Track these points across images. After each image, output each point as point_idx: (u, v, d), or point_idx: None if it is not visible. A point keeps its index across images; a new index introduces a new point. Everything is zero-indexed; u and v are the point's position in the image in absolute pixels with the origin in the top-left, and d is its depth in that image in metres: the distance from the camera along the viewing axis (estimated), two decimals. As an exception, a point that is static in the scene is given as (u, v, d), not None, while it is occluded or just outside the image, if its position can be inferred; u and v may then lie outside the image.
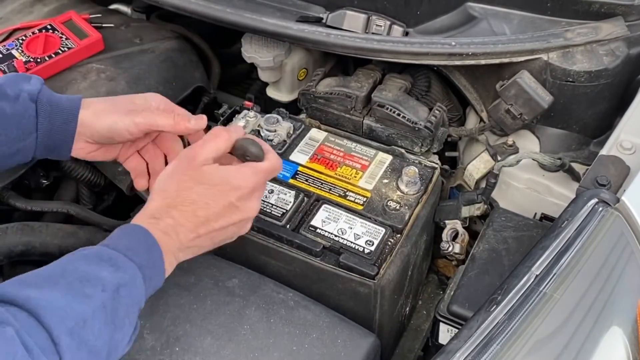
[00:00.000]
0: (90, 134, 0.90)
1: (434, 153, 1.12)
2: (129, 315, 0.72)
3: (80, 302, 0.66)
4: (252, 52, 1.19)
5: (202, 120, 0.92)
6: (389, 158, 1.06)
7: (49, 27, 1.20)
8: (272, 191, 1.00)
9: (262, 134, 1.07)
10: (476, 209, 1.08)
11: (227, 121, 1.10)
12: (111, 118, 0.89)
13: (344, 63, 1.30)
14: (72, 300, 0.66)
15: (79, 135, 0.90)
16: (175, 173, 0.83)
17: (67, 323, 0.64)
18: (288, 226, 0.95)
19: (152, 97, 0.93)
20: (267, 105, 1.29)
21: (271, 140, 1.07)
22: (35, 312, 0.63)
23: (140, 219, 0.79)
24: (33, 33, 1.18)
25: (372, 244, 0.93)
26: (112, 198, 1.24)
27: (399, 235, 0.95)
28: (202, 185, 0.81)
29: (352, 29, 1.16)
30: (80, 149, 0.92)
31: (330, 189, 1.01)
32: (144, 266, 0.74)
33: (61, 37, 1.18)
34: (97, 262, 0.72)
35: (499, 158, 1.05)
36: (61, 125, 0.88)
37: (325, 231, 0.94)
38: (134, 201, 1.17)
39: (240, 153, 0.87)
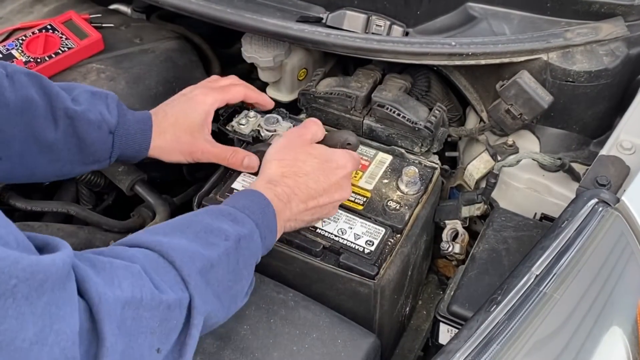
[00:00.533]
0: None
1: (434, 153, 1.12)
2: (247, 267, 0.77)
3: (207, 248, 0.71)
4: (252, 52, 1.19)
5: (254, 161, 1.01)
6: (389, 158, 1.06)
7: (49, 27, 1.20)
8: (272, 191, 1.00)
9: (262, 134, 1.07)
10: (476, 209, 1.08)
11: (227, 121, 1.10)
12: (175, 156, 1.02)
13: (344, 63, 1.30)
14: (199, 246, 0.71)
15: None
16: (290, 145, 0.92)
17: (197, 264, 0.69)
18: (288, 226, 0.95)
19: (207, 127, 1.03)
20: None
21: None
22: (165, 254, 0.68)
23: (258, 183, 0.88)
24: (33, 33, 1.18)
25: (372, 244, 0.93)
26: (112, 198, 1.24)
27: (399, 235, 0.95)
28: (315, 160, 0.90)
29: (352, 29, 1.16)
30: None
31: (330, 189, 1.01)
32: (260, 224, 0.80)
33: (61, 37, 1.18)
34: (218, 217, 0.77)
35: (499, 158, 1.05)
36: (133, 154, 1.00)
37: (325, 231, 0.94)
38: (134, 201, 1.17)
39: (334, 143, 0.96)
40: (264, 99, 1.10)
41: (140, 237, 0.72)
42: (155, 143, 1.00)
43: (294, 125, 1.10)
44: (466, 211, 1.07)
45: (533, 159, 1.02)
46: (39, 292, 0.50)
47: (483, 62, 1.02)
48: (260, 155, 0.99)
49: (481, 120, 1.14)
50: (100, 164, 0.98)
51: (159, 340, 0.64)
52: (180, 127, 1.01)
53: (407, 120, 1.06)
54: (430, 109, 1.09)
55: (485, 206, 1.07)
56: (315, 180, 0.88)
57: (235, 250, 0.75)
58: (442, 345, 0.80)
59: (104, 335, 0.57)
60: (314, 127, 0.95)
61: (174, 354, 0.67)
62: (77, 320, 0.54)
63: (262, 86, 1.32)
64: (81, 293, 0.57)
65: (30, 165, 0.91)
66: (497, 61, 1.02)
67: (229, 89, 1.06)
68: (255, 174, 1.03)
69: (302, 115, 1.17)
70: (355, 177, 1.03)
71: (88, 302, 0.57)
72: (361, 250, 0.92)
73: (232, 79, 1.11)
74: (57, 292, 0.52)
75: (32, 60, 1.13)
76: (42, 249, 0.55)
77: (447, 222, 1.08)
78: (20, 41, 1.17)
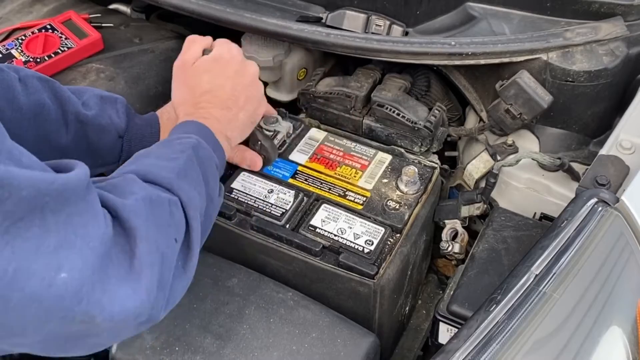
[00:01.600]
0: None
1: (434, 153, 1.12)
2: (210, 170, 0.81)
3: (173, 162, 0.76)
4: (252, 52, 1.19)
5: (258, 161, 1.03)
6: (388, 158, 1.06)
7: (48, 26, 1.20)
8: (271, 191, 1.00)
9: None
10: (476, 209, 1.08)
11: None
12: None
13: (343, 63, 1.30)
14: (167, 162, 0.76)
15: None
16: (178, 81, 0.95)
17: (173, 172, 0.74)
18: (287, 226, 0.96)
19: None
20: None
21: (271, 140, 1.07)
22: (143, 175, 0.72)
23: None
24: (32, 33, 1.18)
25: (372, 244, 0.93)
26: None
27: (398, 235, 0.96)
28: (205, 74, 0.93)
29: (351, 29, 1.16)
30: None
31: (329, 189, 1.01)
32: (200, 135, 0.83)
33: (61, 37, 1.18)
34: (166, 144, 0.82)
35: (499, 158, 1.05)
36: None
37: (325, 231, 0.94)
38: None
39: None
40: (270, 111, 1.10)
41: (117, 174, 0.75)
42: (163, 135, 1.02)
43: (293, 125, 1.10)
44: (466, 211, 1.07)
45: (533, 159, 1.02)
46: (64, 205, 0.56)
47: (483, 61, 1.02)
48: (264, 150, 1.01)
49: (481, 119, 1.14)
50: (109, 166, 0.99)
51: (175, 230, 0.70)
52: None
53: (407, 120, 1.06)
54: (430, 109, 1.09)
55: (485, 206, 1.07)
56: (219, 87, 0.92)
57: (195, 157, 0.79)
58: (441, 345, 0.80)
59: (134, 226, 0.63)
60: (193, 49, 0.96)
61: (184, 248, 0.72)
62: (101, 225, 0.60)
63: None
64: (104, 206, 0.63)
65: None
66: (497, 61, 1.02)
67: None
68: (254, 173, 1.03)
69: (302, 115, 1.18)
70: (355, 176, 1.03)
71: (112, 210, 0.64)
72: (361, 249, 0.92)
73: None
74: (80, 203, 0.58)
75: (31, 60, 1.13)
76: (59, 170, 0.59)
77: (446, 221, 1.08)
78: (20, 41, 1.16)
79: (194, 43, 0.97)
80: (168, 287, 0.69)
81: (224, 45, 0.97)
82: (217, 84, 0.92)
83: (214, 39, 0.99)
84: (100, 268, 0.58)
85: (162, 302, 0.68)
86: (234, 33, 1.16)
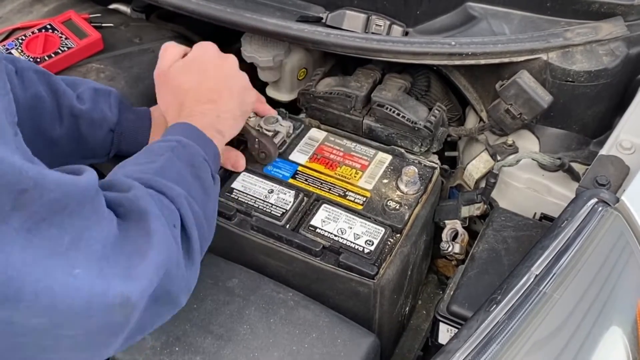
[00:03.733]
0: None
1: (434, 153, 1.12)
2: (197, 165, 0.81)
3: (152, 163, 0.77)
4: (252, 51, 1.19)
5: (242, 163, 1.04)
6: (388, 158, 1.06)
7: (48, 26, 1.20)
8: (271, 191, 1.00)
9: (262, 134, 1.07)
10: (476, 209, 1.08)
11: None
12: None
13: (343, 63, 1.29)
14: (145, 164, 0.78)
15: None
16: (161, 91, 0.96)
17: (150, 171, 0.76)
18: (288, 226, 0.96)
19: None
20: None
21: (271, 140, 1.07)
22: (121, 181, 0.72)
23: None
24: (32, 33, 1.18)
25: (372, 244, 0.93)
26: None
27: (398, 235, 0.95)
28: (183, 76, 0.93)
29: (351, 29, 1.16)
30: None
31: (330, 189, 1.01)
32: (183, 134, 0.84)
33: (61, 37, 1.18)
34: (144, 151, 0.82)
35: (499, 158, 1.05)
36: (131, 150, 0.97)
37: (325, 231, 0.94)
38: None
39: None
40: (267, 111, 1.10)
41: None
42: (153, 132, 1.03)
43: (293, 125, 1.10)
44: (466, 211, 1.07)
45: (533, 159, 1.02)
46: (80, 207, 0.58)
47: (483, 61, 1.02)
48: (264, 147, 1.03)
49: (481, 120, 1.14)
50: (99, 159, 1.01)
51: (170, 218, 0.71)
52: None
53: (407, 120, 1.06)
54: (430, 109, 1.09)
55: (485, 206, 1.07)
56: (196, 84, 0.92)
57: (173, 156, 0.79)
58: (441, 345, 0.80)
59: (144, 209, 0.66)
60: (167, 56, 0.96)
61: (183, 237, 0.73)
62: (106, 226, 0.61)
63: (262, 86, 1.32)
64: (109, 205, 0.65)
65: None
66: (497, 61, 1.02)
67: None
68: (254, 173, 1.03)
69: (302, 115, 1.18)
70: (355, 176, 1.03)
71: (118, 207, 0.66)
72: (361, 250, 0.92)
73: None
74: (89, 205, 0.60)
75: (31, 60, 1.13)
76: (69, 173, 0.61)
77: (446, 221, 1.08)
78: (20, 41, 1.16)
79: (167, 50, 0.97)
80: (183, 270, 0.71)
81: (198, 47, 0.98)
82: (197, 81, 0.92)
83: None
84: (107, 265, 0.60)
85: (181, 282, 0.71)
86: (234, 33, 1.16)
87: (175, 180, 0.77)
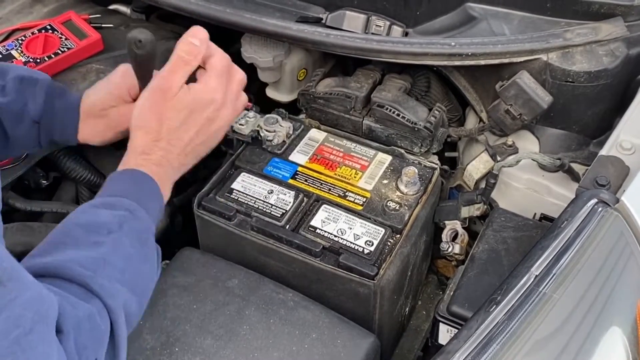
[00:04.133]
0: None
1: (434, 153, 1.12)
2: (143, 243, 0.76)
3: (94, 249, 0.70)
4: (252, 52, 1.19)
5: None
6: (388, 158, 1.06)
7: (48, 27, 1.20)
8: (271, 191, 1.00)
9: (262, 134, 1.07)
10: (476, 210, 1.08)
11: None
12: (108, 137, 1.00)
13: (343, 63, 1.30)
14: (86, 250, 0.70)
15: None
16: (153, 106, 0.86)
17: (90, 267, 0.67)
18: (287, 226, 0.95)
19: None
20: (267, 106, 1.29)
21: (271, 141, 1.07)
22: (60, 273, 0.66)
23: (130, 158, 0.84)
24: (32, 33, 1.18)
25: (372, 244, 0.93)
26: (111, 198, 1.24)
27: (398, 236, 0.95)
28: (181, 112, 0.86)
29: (351, 30, 1.16)
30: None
31: (329, 189, 1.01)
32: (141, 199, 0.78)
33: (61, 38, 1.18)
34: (95, 211, 0.75)
35: (499, 158, 1.05)
36: (61, 141, 0.99)
37: (325, 231, 0.94)
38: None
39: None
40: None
41: (28, 265, 0.67)
42: (83, 132, 0.98)
43: (293, 126, 1.10)
44: (466, 211, 1.07)
45: (533, 159, 1.02)
46: (52, 320, 0.53)
47: (483, 62, 1.02)
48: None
49: (481, 120, 1.14)
50: (30, 150, 0.99)
51: (93, 350, 0.64)
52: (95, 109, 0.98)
53: (407, 121, 1.06)
54: (430, 109, 1.09)
55: (485, 206, 1.07)
56: (186, 130, 0.86)
57: (123, 237, 0.73)
58: (441, 346, 0.79)
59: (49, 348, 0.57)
60: (182, 73, 0.86)
61: (109, 354, 0.67)
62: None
63: (262, 86, 1.32)
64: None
65: None
66: (497, 61, 1.02)
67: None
68: (254, 174, 1.03)
69: (302, 116, 1.18)
70: (355, 177, 1.03)
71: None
72: (361, 250, 0.92)
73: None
74: (50, 326, 0.54)
75: (31, 60, 1.13)
76: None
77: (446, 222, 1.08)
78: (20, 41, 1.16)
79: (186, 66, 0.86)
80: None
81: (210, 81, 0.88)
82: (187, 126, 0.86)
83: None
84: None
85: None
86: (234, 33, 1.16)
87: (120, 272, 0.70)
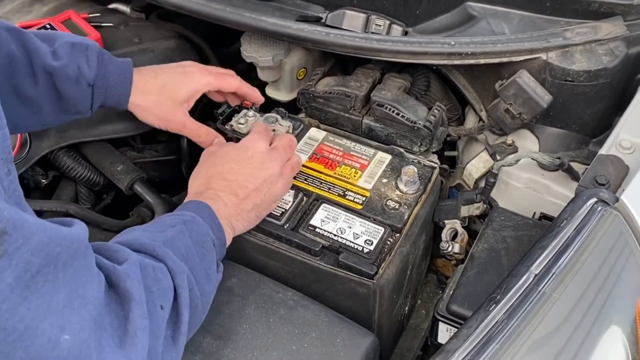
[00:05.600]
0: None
1: (433, 152, 1.12)
2: (203, 245, 0.80)
3: (160, 233, 0.77)
4: (252, 51, 1.19)
5: (211, 137, 1.07)
6: (388, 157, 1.06)
7: (48, 26, 1.20)
8: (271, 190, 1.00)
9: (262, 134, 1.07)
10: (475, 209, 1.08)
11: (226, 120, 1.10)
12: (151, 119, 1.06)
13: (343, 62, 1.30)
14: (153, 233, 0.77)
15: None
16: (199, 165, 0.97)
17: (158, 239, 0.75)
18: (287, 226, 0.95)
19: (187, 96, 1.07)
20: (266, 105, 1.29)
21: (270, 140, 1.07)
22: (129, 243, 0.73)
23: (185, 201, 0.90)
24: (32, 32, 1.18)
25: (371, 244, 0.93)
26: (111, 197, 1.24)
27: (398, 235, 0.95)
28: (223, 157, 0.94)
29: (351, 29, 1.16)
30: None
31: (329, 189, 1.01)
32: (199, 213, 0.83)
33: (60, 37, 1.18)
34: (157, 220, 0.83)
35: (498, 157, 1.05)
36: (113, 104, 1.03)
37: (325, 230, 0.94)
38: (133, 201, 1.17)
39: None
40: (256, 95, 1.13)
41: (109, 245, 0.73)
42: (137, 100, 1.03)
43: (293, 125, 1.10)
44: (465, 211, 1.07)
45: (532, 159, 1.02)
46: (72, 259, 0.55)
47: (482, 61, 1.02)
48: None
49: (480, 119, 1.14)
50: (82, 114, 1.01)
51: (159, 297, 0.68)
52: (166, 93, 1.04)
53: (407, 120, 1.06)
54: (430, 109, 1.09)
55: (485, 205, 1.07)
56: (231, 171, 0.91)
57: (187, 231, 0.79)
58: (441, 345, 0.80)
59: (128, 290, 0.63)
60: (219, 139, 1.02)
61: (172, 317, 0.71)
62: (95, 286, 0.58)
63: (262, 85, 1.32)
64: (98, 267, 0.63)
65: (13, 117, 0.91)
66: (497, 60, 1.02)
67: (224, 77, 1.10)
68: None
69: (302, 115, 1.18)
70: (354, 176, 1.03)
71: (105, 275, 0.63)
72: (360, 249, 0.92)
73: (230, 71, 1.14)
74: (81, 260, 0.57)
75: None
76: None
77: (446, 221, 1.08)
78: (19, 40, 1.16)
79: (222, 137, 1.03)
80: (159, 357, 0.67)
81: (250, 137, 0.98)
82: (230, 168, 0.92)
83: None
84: (95, 333, 0.57)
85: None
86: (233, 32, 1.16)
87: (181, 256, 0.75)
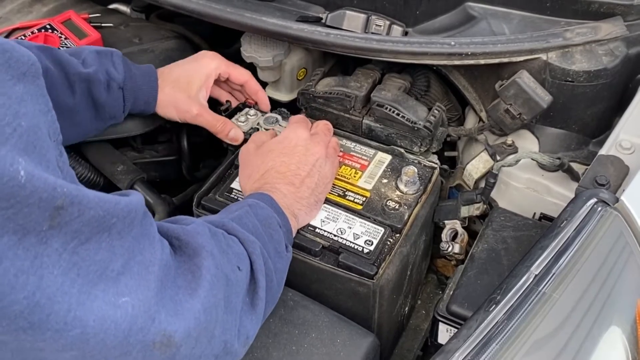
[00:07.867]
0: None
1: (433, 153, 1.12)
2: (269, 226, 0.82)
3: (228, 214, 0.80)
4: (252, 51, 1.19)
5: (239, 135, 1.10)
6: (388, 158, 1.06)
7: (48, 26, 1.20)
8: (271, 191, 1.00)
9: (262, 134, 1.07)
10: (475, 209, 1.08)
11: (229, 117, 1.11)
12: (169, 112, 1.09)
13: (343, 63, 1.30)
14: (218, 215, 0.81)
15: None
16: (244, 166, 0.98)
17: (228, 216, 0.78)
18: (287, 226, 0.95)
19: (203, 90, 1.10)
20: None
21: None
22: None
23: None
24: (32, 33, 1.18)
25: (371, 244, 0.93)
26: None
27: (398, 235, 0.95)
28: (269, 153, 0.95)
29: (351, 29, 1.16)
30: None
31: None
32: (260, 199, 0.85)
33: (60, 37, 1.18)
34: (220, 215, 0.82)
35: (498, 158, 1.05)
36: (142, 107, 1.07)
37: (325, 231, 0.94)
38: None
39: None
40: (263, 96, 1.15)
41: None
42: (158, 97, 1.07)
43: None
44: (465, 211, 1.07)
45: (532, 159, 1.02)
46: (129, 228, 0.57)
47: (482, 61, 1.02)
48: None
49: (480, 119, 1.14)
50: (116, 119, 1.05)
51: (236, 259, 0.71)
52: (180, 84, 1.07)
53: (407, 120, 1.06)
54: (430, 109, 1.09)
55: (485, 206, 1.07)
56: (281, 164, 0.93)
57: (250, 212, 0.81)
58: (441, 345, 0.80)
59: (199, 244, 0.66)
60: (253, 137, 1.02)
61: (251, 284, 0.73)
62: (158, 251, 0.60)
63: (262, 86, 1.32)
64: (167, 236, 0.66)
65: None
66: (497, 61, 1.02)
67: (235, 65, 1.13)
68: None
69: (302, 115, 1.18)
70: (354, 176, 1.03)
71: (174, 238, 0.66)
72: (360, 249, 0.92)
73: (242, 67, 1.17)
74: (138, 228, 0.58)
75: (31, 59, 1.13)
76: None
77: (446, 222, 1.08)
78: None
79: (255, 133, 1.04)
80: (238, 315, 0.69)
81: (290, 128, 1.00)
82: (281, 161, 0.93)
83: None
84: (162, 292, 0.58)
85: (233, 327, 0.68)
86: (233, 33, 1.16)
87: (250, 231, 0.77)
